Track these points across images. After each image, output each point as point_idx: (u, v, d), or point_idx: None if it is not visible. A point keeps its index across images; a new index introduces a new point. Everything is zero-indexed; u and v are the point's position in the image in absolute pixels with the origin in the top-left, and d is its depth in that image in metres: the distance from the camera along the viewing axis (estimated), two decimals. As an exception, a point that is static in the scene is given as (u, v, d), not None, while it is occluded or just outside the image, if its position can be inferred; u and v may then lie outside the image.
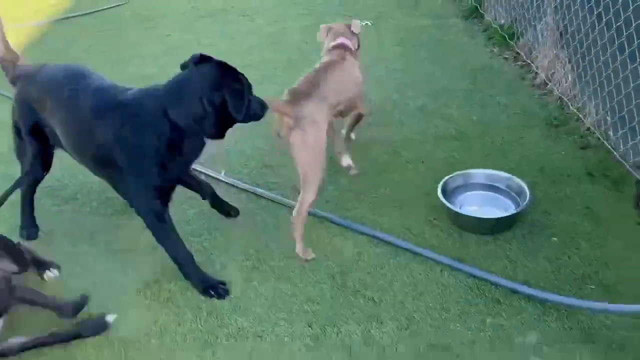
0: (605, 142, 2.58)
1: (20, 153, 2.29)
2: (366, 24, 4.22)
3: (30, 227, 2.36)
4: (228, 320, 1.90)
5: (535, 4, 3.29)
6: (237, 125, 1.99)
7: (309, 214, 2.17)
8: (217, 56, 1.96)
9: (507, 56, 3.59)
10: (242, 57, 3.82)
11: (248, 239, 2.26)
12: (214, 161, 2.74)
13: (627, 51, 2.34)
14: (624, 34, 2.34)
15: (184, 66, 1.93)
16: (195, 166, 2.67)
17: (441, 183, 2.32)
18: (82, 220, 2.44)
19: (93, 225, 2.41)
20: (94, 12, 4.85)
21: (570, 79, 2.94)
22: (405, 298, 1.94)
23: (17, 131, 2.23)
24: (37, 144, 2.18)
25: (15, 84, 2.22)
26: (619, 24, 2.38)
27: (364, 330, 1.83)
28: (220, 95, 1.81)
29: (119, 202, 2.37)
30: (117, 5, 4.92)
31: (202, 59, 1.89)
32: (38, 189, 2.36)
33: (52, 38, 4.37)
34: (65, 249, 2.28)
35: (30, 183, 2.31)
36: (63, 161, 2.30)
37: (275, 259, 2.15)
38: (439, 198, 2.28)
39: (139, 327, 1.90)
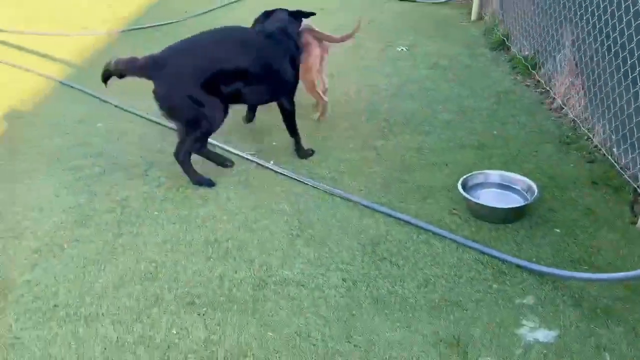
0: (609, 157, 2.92)
1: (200, 119, 2.80)
2: (402, 49, 4.71)
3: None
4: (276, 271, 2.28)
5: (555, 38, 3.69)
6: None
7: (343, 198, 2.58)
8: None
9: (528, 83, 3.98)
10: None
11: (293, 214, 2.65)
12: (265, 153, 3.18)
13: (630, 77, 2.70)
14: (628, 62, 2.72)
15: (257, 20, 3.19)
16: (248, 156, 3.12)
17: (461, 179, 2.70)
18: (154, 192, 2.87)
19: (163, 197, 2.83)
20: (156, 25, 5.42)
21: (582, 103, 3.30)
22: (425, 265, 2.30)
23: (194, 101, 2.74)
24: (216, 99, 2.80)
25: (151, 71, 2.72)
26: (624, 54, 2.76)
27: (389, 286, 2.19)
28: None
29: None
30: (177, 21, 5.48)
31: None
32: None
33: (118, 46, 4.91)
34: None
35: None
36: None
37: (316, 229, 2.54)
38: (458, 192, 2.65)
39: (202, 274, 2.29)
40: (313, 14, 3.23)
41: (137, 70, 2.77)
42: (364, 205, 2.68)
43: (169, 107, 2.81)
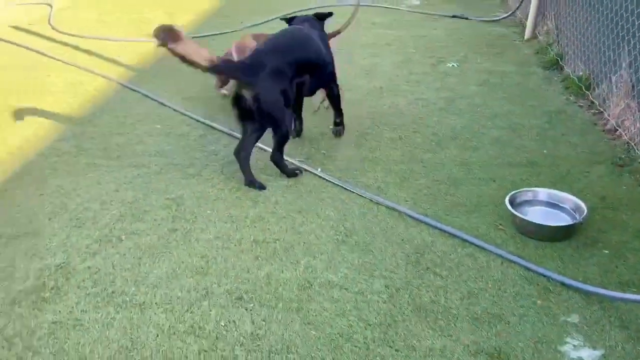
0: (664, 181, 2.86)
1: (288, 116, 3.04)
2: (453, 65, 4.73)
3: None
4: (320, 274, 2.35)
5: (612, 59, 3.64)
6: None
7: (389, 207, 2.63)
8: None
9: (581, 104, 3.92)
10: (340, 83, 4.39)
11: (338, 220, 2.72)
12: (313, 161, 3.27)
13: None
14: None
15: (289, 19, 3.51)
16: (297, 162, 3.21)
17: (509, 195, 2.70)
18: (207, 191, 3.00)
19: (216, 197, 2.96)
20: (213, 34, 5.63)
21: (638, 125, 3.24)
22: (469, 278, 2.31)
23: (286, 98, 2.96)
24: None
25: (250, 75, 2.88)
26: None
27: (431, 295, 2.22)
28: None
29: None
30: (233, 31, 5.68)
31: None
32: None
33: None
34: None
35: None
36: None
37: (360, 236, 2.59)
38: (505, 208, 2.65)
39: (250, 272, 2.38)
40: (331, 14, 3.58)
41: (235, 74, 2.96)
42: (409, 216, 2.72)
43: (269, 107, 2.91)
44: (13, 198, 2.93)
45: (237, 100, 2.94)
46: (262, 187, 2.99)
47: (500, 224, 2.65)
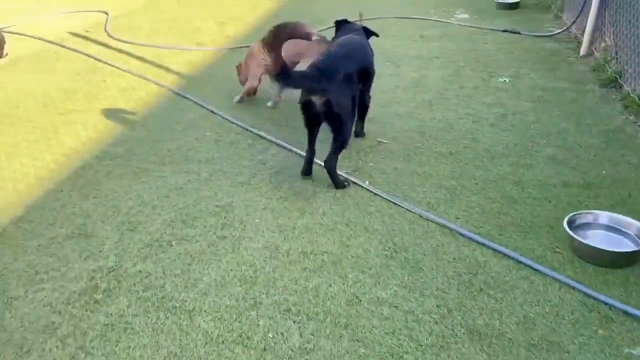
0: None
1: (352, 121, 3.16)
2: (505, 80, 4.63)
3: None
4: (369, 290, 2.31)
5: (677, 78, 3.47)
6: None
7: (439, 224, 2.57)
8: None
9: (642, 124, 3.76)
10: (388, 94, 4.36)
11: (386, 235, 2.67)
12: (360, 173, 3.24)
13: None
14: None
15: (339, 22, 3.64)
16: (343, 173, 3.18)
17: (567, 217, 2.59)
18: (256, 200, 3.01)
19: (264, 206, 2.97)
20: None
21: None
22: (524, 302, 2.22)
23: (354, 104, 3.07)
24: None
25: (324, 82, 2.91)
26: None
27: (485, 318, 2.14)
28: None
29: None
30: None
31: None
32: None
33: (226, 60, 5.21)
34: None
35: None
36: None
37: (410, 252, 2.54)
38: (562, 231, 2.55)
39: (298, 283, 2.36)
40: (377, 35, 3.66)
41: (310, 83, 2.92)
42: (461, 234, 2.65)
43: (340, 112, 2.94)
44: (69, 199, 3.01)
45: (307, 107, 2.97)
46: (346, 185, 3.08)
47: (557, 247, 2.55)
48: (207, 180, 3.18)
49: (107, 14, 6.76)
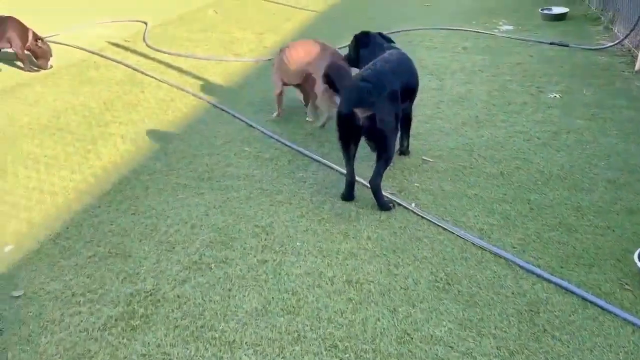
0: None
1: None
2: (555, 96, 4.41)
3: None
4: (421, 326, 2.14)
5: None
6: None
7: (494, 254, 2.39)
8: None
9: None
10: (432, 109, 4.19)
11: (437, 264, 2.50)
12: (406, 194, 3.08)
13: None
14: None
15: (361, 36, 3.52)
16: (388, 194, 3.02)
17: (638, 250, 2.38)
18: (296, 221, 2.89)
19: (305, 228, 2.83)
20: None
21: None
22: (594, 346, 2.02)
23: (397, 121, 2.96)
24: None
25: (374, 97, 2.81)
26: None
27: (552, 364, 1.95)
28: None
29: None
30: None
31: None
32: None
33: (264, 72, 5.11)
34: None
35: None
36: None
37: (464, 285, 2.36)
38: (632, 265, 2.34)
39: (344, 316, 2.22)
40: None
41: (359, 94, 2.79)
42: (518, 265, 2.46)
43: (384, 128, 2.82)
44: (107, 215, 2.94)
45: (347, 119, 2.81)
46: (392, 208, 2.94)
47: (627, 284, 2.33)
48: (246, 198, 3.07)
49: (146, 24, 6.78)
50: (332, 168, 3.36)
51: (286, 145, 3.68)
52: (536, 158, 3.43)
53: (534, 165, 3.34)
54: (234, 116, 4.16)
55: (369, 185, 2.94)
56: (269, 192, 3.13)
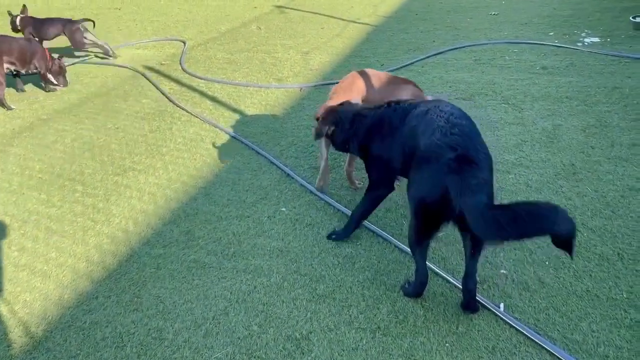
0: None
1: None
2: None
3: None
4: None
5: None
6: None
7: None
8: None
9: None
10: (513, 153, 3.38)
11: None
12: (489, 287, 2.30)
13: None
14: None
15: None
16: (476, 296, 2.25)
17: None
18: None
19: (355, 338, 2.12)
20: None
21: None
22: None
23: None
24: None
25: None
26: None
27: None
28: None
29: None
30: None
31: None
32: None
33: (310, 103, 4.45)
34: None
35: None
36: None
37: None
38: None
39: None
40: None
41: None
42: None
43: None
44: (102, 312, 2.33)
45: (438, 203, 1.95)
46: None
47: None
48: (278, 287, 2.39)
49: (184, 43, 6.28)
50: (389, 242, 2.62)
51: (330, 205, 2.98)
52: (665, 232, 2.56)
53: (664, 245, 2.48)
54: (272, 162, 3.49)
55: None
56: (307, 279, 2.43)
